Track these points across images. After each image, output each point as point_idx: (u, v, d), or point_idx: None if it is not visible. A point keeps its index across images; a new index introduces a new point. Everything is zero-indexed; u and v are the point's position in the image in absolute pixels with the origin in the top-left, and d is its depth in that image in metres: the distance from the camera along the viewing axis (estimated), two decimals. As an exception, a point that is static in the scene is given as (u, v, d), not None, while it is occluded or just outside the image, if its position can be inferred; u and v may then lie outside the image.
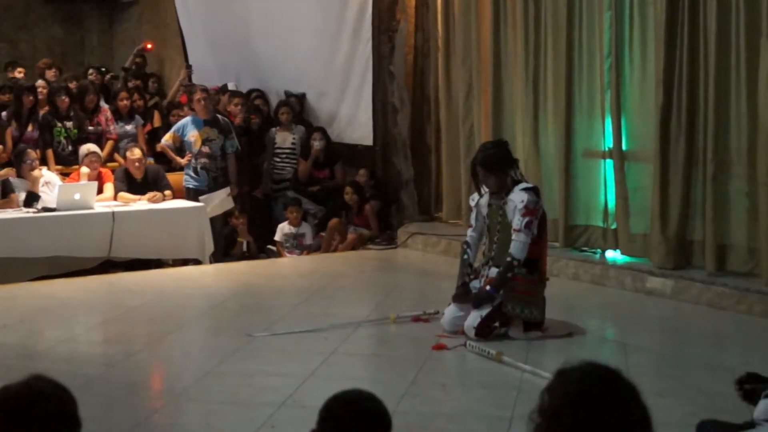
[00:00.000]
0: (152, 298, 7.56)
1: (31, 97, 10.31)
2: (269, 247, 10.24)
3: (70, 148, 9.98)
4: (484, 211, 6.35)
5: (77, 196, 8.69)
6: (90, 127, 10.28)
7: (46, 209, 8.61)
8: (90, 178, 9.20)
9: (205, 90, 10.06)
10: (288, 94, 11.16)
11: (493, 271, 6.22)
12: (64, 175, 9.58)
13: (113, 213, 8.77)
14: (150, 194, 9.25)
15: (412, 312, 6.68)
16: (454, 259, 7.53)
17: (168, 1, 13.92)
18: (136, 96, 11.24)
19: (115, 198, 9.22)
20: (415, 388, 5.14)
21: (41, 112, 10.23)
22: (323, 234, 10.02)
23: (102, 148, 9.93)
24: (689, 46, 7.42)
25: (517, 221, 6.08)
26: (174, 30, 13.77)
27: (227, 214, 9.80)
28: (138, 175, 9.39)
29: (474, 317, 6.07)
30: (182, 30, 13.35)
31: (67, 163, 9.91)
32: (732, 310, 6.86)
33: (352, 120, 10.74)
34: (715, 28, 7.19)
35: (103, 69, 13.04)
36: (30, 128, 10.15)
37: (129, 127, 10.73)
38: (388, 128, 10.48)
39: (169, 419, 4.86)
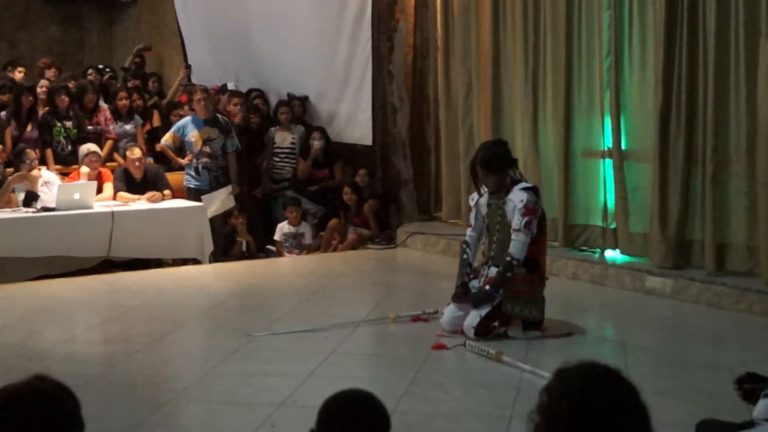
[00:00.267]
0: (152, 297, 7.56)
1: (30, 97, 10.31)
2: (269, 246, 10.24)
3: (69, 147, 9.97)
4: (484, 210, 6.35)
5: (76, 196, 8.68)
6: (89, 127, 10.27)
7: (45, 209, 8.60)
8: (89, 178, 9.20)
9: (205, 90, 10.06)
10: (291, 97, 11.16)
11: (493, 271, 6.22)
12: (64, 174, 9.57)
13: (112, 213, 8.77)
14: (149, 194, 9.25)
15: (412, 312, 6.68)
16: (453, 259, 7.54)
17: (167, 1, 13.92)
18: (135, 96, 11.23)
19: (114, 198, 9.22)
20: (415, 387, 5.14)
21: (41, 112, 10.23)
22: (323, 233, 10.02)
23: (101, 148, 9.93)
24: (688, 46, 7.42)
25: (516, 221, 6.08)
26: (173, 30, 13.76)
27: (227, 214, 9.80)
28: (137, 174, 9.39)
29: (473, 317, 6.07)
30: (181, 30, 13.34)
31: (66, 162, 9.90)
32: (731, 309, 6.86)
33: (352, 119, 10.74)
34: (715, 28, 7.19)
35: (108, 69, 13.03)
36: (29, 128, 10.13)
37: (128, 127, 10.72)
38: (388, 128, 10.47)
39: (169, 419, 4.86)
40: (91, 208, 8.74)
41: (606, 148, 8.23)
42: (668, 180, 7.58)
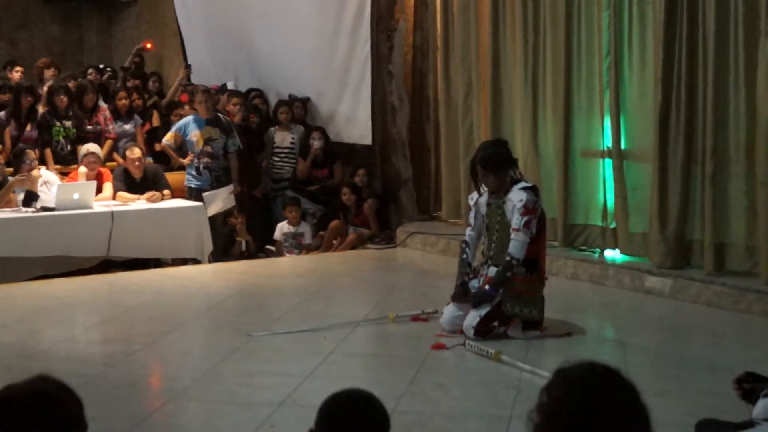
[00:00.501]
0: (151, 297, 7.56)
1: (29, 97, 10.30)
2: (268, 246, 10.24)
3: (68, 147, 9.97)
4: (483, 210, 6.35)
5: (76, 196, 8.68)
6: (89, 127, 10.27)
7: (44, 209, 8.60)
8: (89, 178, 9.20)
9: (206, 90, 10.07)
10: (292, 98, 11.16)
11: (492, 271, 6.22)
12: (63, 174, 9.57)
13: (112, 212, 8.77)
14: (149, 194, 9.24)
15: (411, 311, 6.68)
16: (453, 259, 7.54)
17: (167, 1, 13.92)
18: (135, 95, 11.23)
19: (114, 197, 9.22)
20: (414, 387, 5.14)
21: (40, 112, 10.22)
22: (322, 233, 10.02)
23: (101, 148, 9.92)
24: (688, 46, 7.42)
25: (516, 220, 6.08)
26: (173, 30, 13.76)
27: (226, 214, 9.80)
28: (137, 174, 9.39)
29: (473, 316, 6.07)
30: (181, 29, 13.34)
31: (65, 162, 9.90)
32: (731, 309, 6.86)
33: (351, 119, 10.74)
34: (714, 28, 7.19)
35: (108, 68, 13.02)
36: (29, 128, 10.13)
37: (128, 127, 10.71)
38: (387, 127, 10.48)
39: (169, 419, 4.86)
40: (90, 207, 8.74)
41: (605, 148, 8.23)
42: (668, 180, 7.58)
